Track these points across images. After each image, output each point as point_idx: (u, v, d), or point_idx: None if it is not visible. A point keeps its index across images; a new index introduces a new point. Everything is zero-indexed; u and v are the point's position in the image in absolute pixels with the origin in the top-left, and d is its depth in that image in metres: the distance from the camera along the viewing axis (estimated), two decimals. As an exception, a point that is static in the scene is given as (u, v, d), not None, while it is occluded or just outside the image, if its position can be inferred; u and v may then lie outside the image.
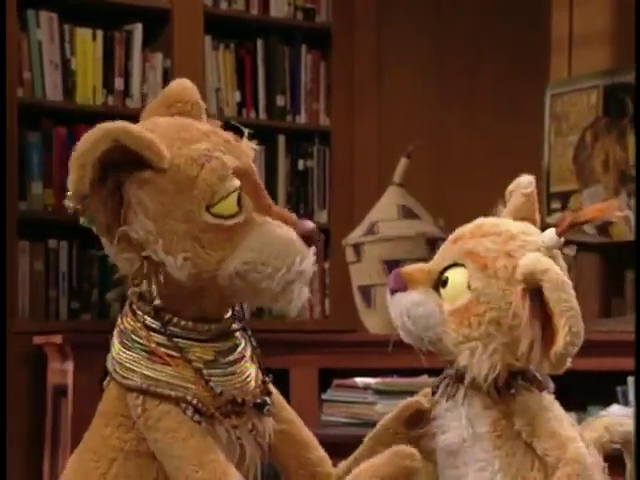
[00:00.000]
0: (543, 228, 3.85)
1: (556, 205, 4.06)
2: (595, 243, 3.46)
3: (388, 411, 1.35)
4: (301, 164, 3.97)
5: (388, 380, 2.74)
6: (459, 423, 1.19)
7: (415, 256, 3.21)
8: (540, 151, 3.98)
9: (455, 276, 1.18)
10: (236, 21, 3.87)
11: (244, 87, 3.88)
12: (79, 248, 3.52)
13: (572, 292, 1.15)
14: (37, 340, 3.34)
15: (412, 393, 1.33)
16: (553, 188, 4.11)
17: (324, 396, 2.88)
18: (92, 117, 3.56)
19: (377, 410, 2.63)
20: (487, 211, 4.04)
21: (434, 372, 1.35)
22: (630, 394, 2.75)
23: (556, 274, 1.14)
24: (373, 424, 1.37)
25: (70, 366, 3.12)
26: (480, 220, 1.24)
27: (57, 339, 3.17)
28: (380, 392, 2.72)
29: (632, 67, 3.66)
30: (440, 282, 1.20)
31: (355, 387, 2.79)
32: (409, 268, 1.21)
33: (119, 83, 3.60)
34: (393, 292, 1.20)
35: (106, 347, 3.51)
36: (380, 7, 4.10)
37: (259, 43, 3.90)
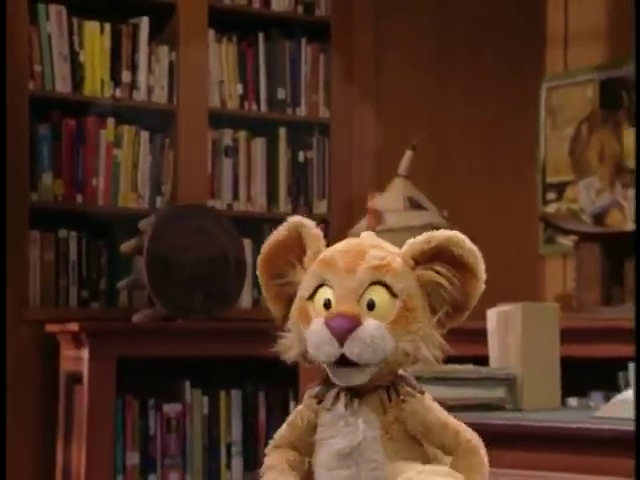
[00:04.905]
0: (540, 218, 3.89)
1: (552, 196, 4.14)
2: (595, 233, 3.53)
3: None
4: (301, 155, 4.02)
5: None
6: (354, 428, 1.28)
7: (421, 246, 3.27)
8: (537, 142, 4.04)
9: (378, 294, 1.27)
10: (239, 14, 3.92)
11: (246, 80, 3.93)
12: (88, 238, 3.54)
13: None
14: (50, 328, 3.40)
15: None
16: (549, 179, 4.18)
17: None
18: (100, 109, 3.64)
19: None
20: (488, 200, 4.07)
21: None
22: (631, 379, 2.83)
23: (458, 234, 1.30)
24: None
25: (85, 353, 3.18)
26: (345, 242, 1.33)
27: (73, 327, 3.22)
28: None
29: (627, 61, 3.74)
30: (367, 307, 1.27)
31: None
32: (344, 309, 1.26)
33: (126, 76, 3.65)
34: (350, 332, 1.24)
35: (118, 335, 3.54)
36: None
37: (260, 36, 3.95)
